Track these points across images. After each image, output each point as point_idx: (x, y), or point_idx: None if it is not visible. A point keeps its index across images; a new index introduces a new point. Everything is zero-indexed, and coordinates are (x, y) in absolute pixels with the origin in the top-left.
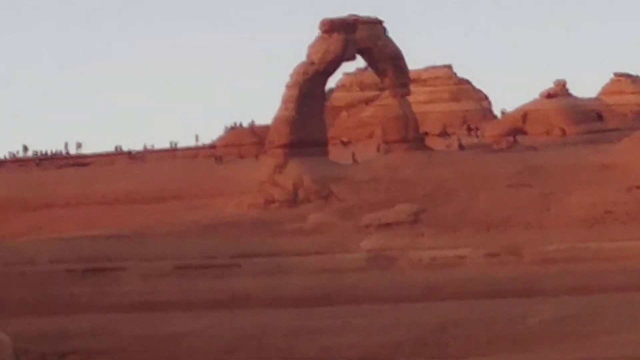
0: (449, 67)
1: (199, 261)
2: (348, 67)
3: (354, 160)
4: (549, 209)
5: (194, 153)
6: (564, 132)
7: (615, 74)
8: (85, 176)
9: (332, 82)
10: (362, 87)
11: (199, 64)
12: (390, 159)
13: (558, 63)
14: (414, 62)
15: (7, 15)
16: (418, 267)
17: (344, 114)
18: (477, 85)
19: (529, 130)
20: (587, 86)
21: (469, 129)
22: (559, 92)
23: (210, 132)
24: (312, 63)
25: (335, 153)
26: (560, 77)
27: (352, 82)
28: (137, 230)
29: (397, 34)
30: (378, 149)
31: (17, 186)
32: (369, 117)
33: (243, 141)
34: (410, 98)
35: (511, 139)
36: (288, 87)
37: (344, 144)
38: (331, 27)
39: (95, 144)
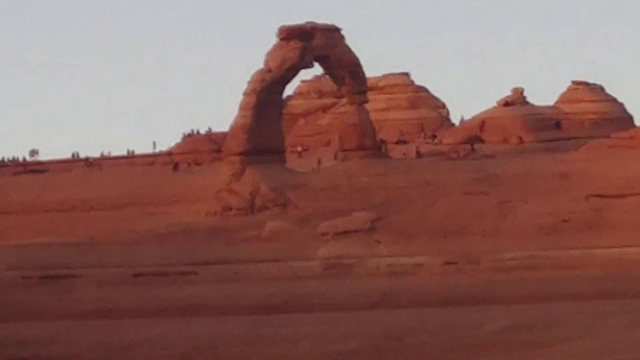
0: (407, 74)
1: (155, 269)
2: (306, 74)
3: (319, 165)
4: (506, 217)
5: (151, 160)
6: (521, 140)
7: (573, 82)
8: (41, 183)
9: (289, 90)
10: (320, 94)
11: (156, 70)
12: (347, 167)
13: (516, 71)
14: (372, 69)
15: None
16: (375, 275)
17: (301, 121)
18: (435, 93)
19: (486, 139)
20: (544, 94)
21: (426, 137)
22: (517, 100)
23: (167, 139)
24: (270, 70)
25: (293, 161)
26: (518, 85)
27: (310, 89)
28: (94, 237)
29: (355, 41)
30: (335, 157)
31: None
32: (327, 124)
33: (200, 148)
34: (368, 106)
35: (468, 147)
36: (245, 94)
37: (300, 153)
38: (289, 34)
39: (52, 151)
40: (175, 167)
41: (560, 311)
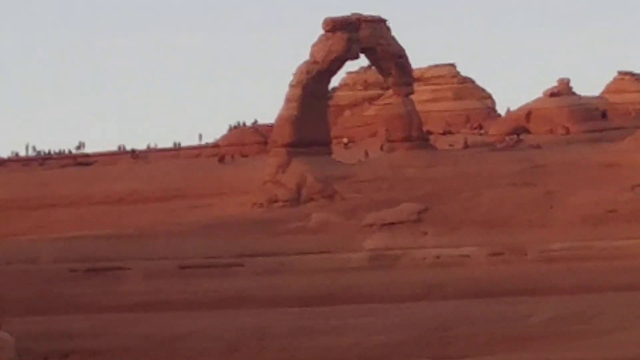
0: (453, 65)
1: (201, 261)
2: (351, 66)
3: (367, 157)
4: (553, 207)
5: (197, 152)
6: (567, 130)
7: (619, 73)
8: (88, 176)
9: (335, 81)
10: (366, 86)
11: (202, 63)
12: (393, 158)
13: (562, 61)
14: (418, 60)
15: (9, 13)
16: (421, 266)
17: (347, 112)
18: (481, 84)
19: (532, 129)
20: (590, 84)
21: (473, 127)
22: (563, 90)
23: (213, 132)
24: (316, 62)
25: (338, 152)
26: (564, 75)
27: (356, 81)
28: (140, 229)
29: (401, 32)
30: (381, 148)
31: (19, 186)
32: (373, 116)
33: (246, 140)
34: (414, 97)
35: (515, 137)
36: (291, 86)
37: (346, 145)
38: (334, 26)
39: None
40: (222, 159)
41: (607, 302)
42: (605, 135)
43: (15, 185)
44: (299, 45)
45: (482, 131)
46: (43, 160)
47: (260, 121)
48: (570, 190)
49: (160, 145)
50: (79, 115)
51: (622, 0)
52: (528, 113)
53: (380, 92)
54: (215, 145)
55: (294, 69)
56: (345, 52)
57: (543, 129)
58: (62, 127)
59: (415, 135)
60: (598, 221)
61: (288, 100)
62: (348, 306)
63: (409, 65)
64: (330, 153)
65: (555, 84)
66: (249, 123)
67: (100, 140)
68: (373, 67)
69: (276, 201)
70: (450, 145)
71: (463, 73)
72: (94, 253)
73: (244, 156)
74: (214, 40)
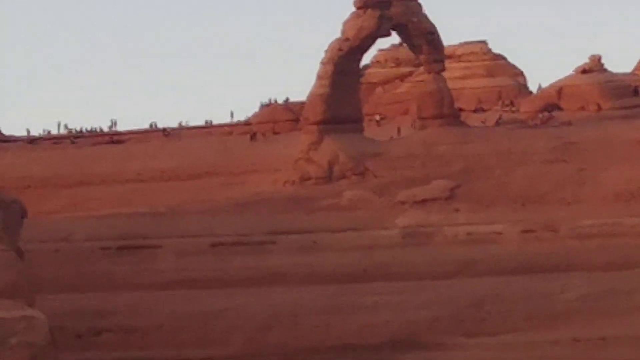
0: (484, 42)
1: (234, 238)
2: (383, 43)
3: (399, 134)
4: (585, 184)
5: (229, 130)
6: (599, 107)
7: None
8: (120, 154)
9: (366, 59)
10: (397, 63)
11: (233, 40)
12: (425, 135)
13: (593, 38)
14: (449, 38)
15: None
16: (454, 244)
17: (379, 90)
18: (512, 61)
19: (564, 106)
20: (622, 61)
21: (504, 105)
22: (594, 67)
23: (245, 109)
24: (347, 39)
25: (370, 130)
26: (596, 52)
27: (387, 58)
28: (172, 207)
29: (432, 9)
30: (413, 125)
31: (52, 164)
32: (404, 93)
33: (278, 118)
34: (445, 74)
35: (547, 114)
36: (323, 63)
37: (378, 122)
38: (366, 3)
39: (130, 121)
40: (253, 136)
41: (638, 278)
42: (637, 112)
43: (48, 163)
44: (330, 22)
45: (513, 108)
46: (75, 138)
47: (292, 99)
48: (602, 167)
49: (192, 123)
50: (111, 93)
51: None
52: (559, 90)
53: (412, 69)
54: (247, 122)
55: (325, 46)
56: (377, 29)
57: (575, 106)
58: (94, 105)
59: (447, 112)
60: (630, 198)
61: (320, 77)
62: (381, 283)
63: (441, 42)
64: (362, 130)
65: (586, 60)
66: (280, 100)
67: (132, 118)
68: (404, 45)
69: (308, 178)
70: (482, 122)
71: (494, 50)
72: (127, 231)
73: (276, 134)
74: (246, 17)
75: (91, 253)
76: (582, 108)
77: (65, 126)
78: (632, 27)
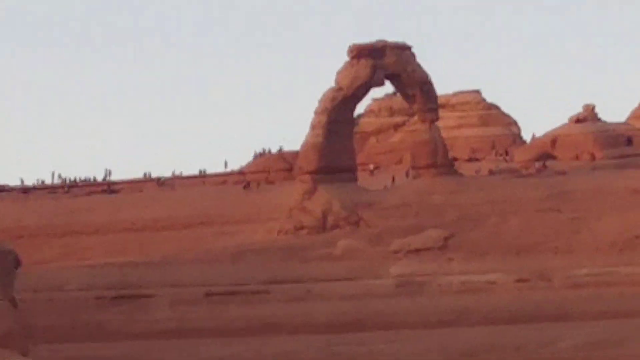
0: (478, 92)
1: (228, 288)
2: (377, 92)
3: (393, 183)
4: (579, 233)
5: (223, 179)
6: (593, 156)
7: None
8: (114, 203)
9: (360, 108)
10: (391, 112)
11: (227, 89)
12: (419, 185)
13: (587, 88)
14: (443, 87)
15: (33, 42)
16: (448, 293)
17: (372, 139)
18: (506, 110)
19: (558, 155)
20: (616, 111)
21: (498, 154)
22: (588, 116)
23: (239, 159)
24: (341, 89)
25: (364, 179)
26: (589, 101)
27: (381, 107)
28: (166, 257)
29: (426, 59)
30: (407, 175)
31: (46, 213)
32: (398, 142)
33: (272, 167)
34: (439, 123)
35: (540, 164)
36: (317, 113)
37: (371, 172)
38: (359, 52)
39: (124, 171)
40: (247, 186)
41: (635, 328)
42: (631, 162)
43: (42, 212)
44: (324, 72)
45: (507, 157)
46: (69, 188)
47: (286, 148)
48: (596, 216)
49: (186, 173)
50: (105, 143)
51: None
52: (553, 139)
53: (406, 118)
54: (241, 172)
55: (319, 96)
56: (371, 78)
57: (568, 155)
58: (88, 155)
59: (440, 161)
60: (624, 247)
61: (313, 126)
62: (375, 333)
63: (434, 91)
64: (355, 180)
65: (580, 110)
66: (274, 150)
67: (126, 168)
68: (398, 94)
69: (302, 228)
70: (476, 171)
71: (488, 99)
72: (121, 280)
73: (270, 183)
74: (240, 67)
75: (85, 302)
76: (576, 157)
77: (59, 176)
78: (626, 77)
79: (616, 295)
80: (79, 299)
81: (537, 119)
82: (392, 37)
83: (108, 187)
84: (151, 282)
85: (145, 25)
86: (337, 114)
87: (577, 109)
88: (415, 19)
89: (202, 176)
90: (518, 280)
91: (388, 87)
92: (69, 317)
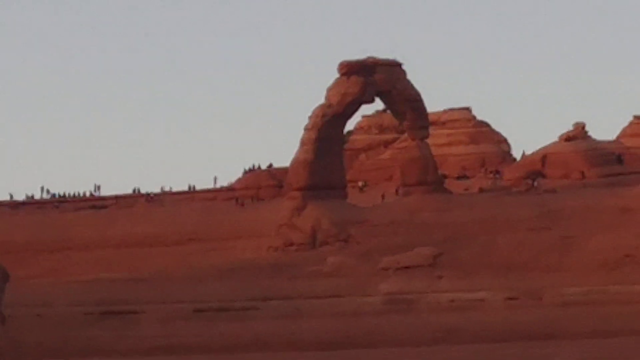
0: (468, 109)
1: (217, 304)
2: (367, 109)
3: (383, 200)
4: (569, 252)
5: (213, 196)
6: (583, 175)
7: (635, 117)
8: (103, 219)
9: (350, 125)
10: (381, 129)
11: (216, 106)
12: (409, 202)
13: (577, 106)
14: (433, 104)
15: (24, 58)
16: (437, 311)
17: (362, 156)
18: (496, 128)
19: (548, 173)
20: (606, 129)
21: (488, 172)
22: (578, 135)
23: (228, 175)
24: (331, 105)
25: (354, 196)
26: (580, 119)
27: (371, 124)
28: (156, 273)
29: (416, 76)
30: (397, 192)
31: (35, 228)
32: (388, 159)
33: (261, 183)
34: (429, 140)
35: (530, 182)
36: (306, 129)
37: (361, 189)
38: (350, 69)
39: (114, 187)
40: (237, 202)
41: (624, 346)
42: (621, 180)
43: (30, 228)
44: (314, 88)
45: (497, 175)
46: (58, 203)
47: (275, 164)
48: (586, 234)
49: (175, 189)
50: (94, 159)
51: (638, 44)
52: (543, 157)
53: (396, 135)
54: (231, 188)
55: (309, 112)
56: (361, 95)
57: (558, 173)
58: (77, 170)
59: (430, 179)
60: (614, 266)
61: (303, 143)
62: (364, 350)
63: (424, 109)
64: (345, 197)
65: (570, 128)
66: (264, 166)
67: (115, 183)
68: (388, 111)
69: (291, 245)
70: (466, 189)
71: (478, 117)
72: (110, 296)
73: (259, 199)
74: (229, 82)
75: (74, 318)
76: (566, 175)
77: (48, 191)
78: (616, 95)
79: (606, 314)
80: (67, 314)
81: (528, 136)
82: (382, 54)
83: (95, 203)
84: (140, 299)
85: (135, 42)
86: (327, 130)
87: (568, 127)
88: (406, 36)
89: (192, 192)
90: (508, 299)
91: (378, 104)
92: (58, 333)
